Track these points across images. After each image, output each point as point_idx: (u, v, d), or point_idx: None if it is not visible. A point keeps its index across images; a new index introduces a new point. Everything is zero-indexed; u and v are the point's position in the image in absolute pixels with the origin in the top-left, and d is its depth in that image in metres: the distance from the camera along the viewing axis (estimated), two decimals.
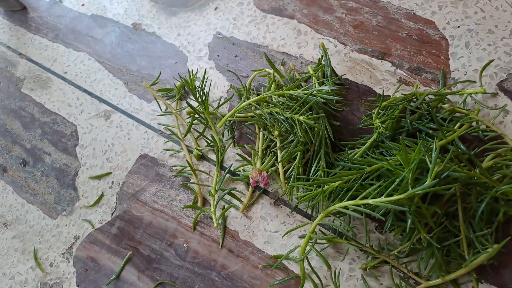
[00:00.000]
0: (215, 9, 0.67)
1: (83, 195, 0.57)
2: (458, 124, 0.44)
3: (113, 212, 0.54)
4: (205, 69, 0.58)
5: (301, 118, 0.43)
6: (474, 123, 0.45)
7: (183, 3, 0.70)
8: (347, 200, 0.38)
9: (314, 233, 0.39)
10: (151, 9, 0.71)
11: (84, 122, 0.63)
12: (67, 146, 0.62)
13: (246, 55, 0.62)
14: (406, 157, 0.36)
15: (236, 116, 0.52)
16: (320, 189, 0.38)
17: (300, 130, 0.43)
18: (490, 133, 0.43)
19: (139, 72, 0.65)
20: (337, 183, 0.38)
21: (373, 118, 0.44)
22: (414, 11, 0.58)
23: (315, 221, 0.39)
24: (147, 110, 0.61)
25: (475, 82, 0.50)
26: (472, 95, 0.47)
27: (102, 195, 0.56)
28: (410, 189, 0.34)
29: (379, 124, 0.42)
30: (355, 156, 0.43)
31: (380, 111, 0.45)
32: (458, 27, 0.55)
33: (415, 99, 0.48)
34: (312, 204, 0.41)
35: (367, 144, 0.44)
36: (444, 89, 0.50)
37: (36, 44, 0.75)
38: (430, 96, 0.47)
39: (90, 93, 0.66)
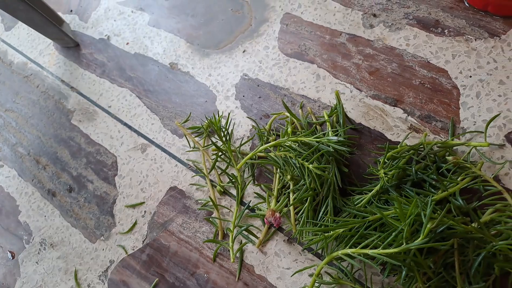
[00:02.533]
0: (243, 51, 0.73)
1: (119, 222, 0.63)
2: (461, 176, 0.46)
3: (144, 240, 0.60)
4: (230, 112, 0.63)
5: (311, 166, 0.47)
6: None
7: (215, 45, 0.76)
8: (350, 247, 0.41)
9: (320, 275, 0.43)
10: (186, 50, 0.78)
11: (124, 153, 0.70)
12: (107, 175, 0.69)
13: (268, 97, 0.67)
14: (402, 211, 0.39)
15: (256, 157, 0.56)
16: (327, 234, 0.42)
17: (309, 177, 0.47)
18: (491, 187, 0.45)
19: (174, 109, 0.71)
20: (341, 230, 0.41)
21: (379, 168, 0.47)
22: (428, 59, 0.60)
23: (320, 265, 0.42)
24: (178, 145, 0.67)
25: (483, 132, 0.52)
26: (478, 148, 0.49)
27: (135, 223, 0.62)
28: (404, 243, 0.37)
29: (383, 174, 0.45)
30: (361, 203, 0.46)
31: (386, 160, 0.48)
32: (470, 76, 0.57)
33: (422, 148, 0.50)
34: (319, 247, 0.45)
35: (372, 192, 0.47)
36: (452, 139, 0.52)
37: (86, 79, 0.83)
38: (437, 145, 0.50)
39: (130, 127, 0.73)
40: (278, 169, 0.54)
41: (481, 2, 0.60)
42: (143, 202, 0.63)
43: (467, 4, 0.61)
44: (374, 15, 0.67)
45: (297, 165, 0.48)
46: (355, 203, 0.46)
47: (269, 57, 0.70)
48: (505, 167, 0.49)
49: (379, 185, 0.46)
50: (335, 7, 0.71)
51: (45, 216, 0.70)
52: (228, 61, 0.73)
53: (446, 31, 0.61)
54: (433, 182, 0.46)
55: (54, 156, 0.75)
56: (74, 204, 0.69)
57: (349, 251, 0.40)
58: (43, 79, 0.88)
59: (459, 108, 0.55)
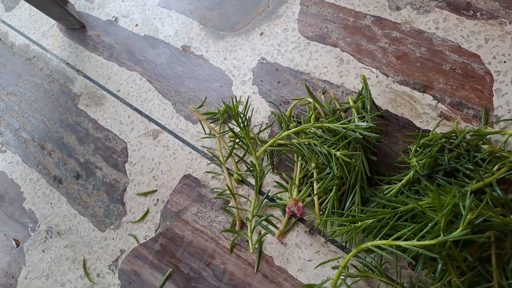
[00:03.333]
0: (261, 34, 0.72)
1: (130, 211, 0.63)
2: (497, 166, 0.45)
3: (156, 229, 0.60)
4: (248, 96, 0.62)
5: (338, 153, 0.46)
6: None
7: (230, 27, 0.75)
8: (380, 239, 0.40)
9: (346, 268, 0.42)
10: (200, 32, 0.77)
11: (134, 140, 0.69)
12: (117, 162, 0.68)
13: (288, 82, 0.66)
14: (440, 202, 0.38)
15: (276, 145, 0.55)
16: (354, 225, 0.41)
17: (336, 165, 0.46)
18: None
19: (187, 93, 0.70)
20: (370, 221, 0.40)
21: (410, 156, 0.46)
22: (459, 44, 0.59)
23: (347, 257, 0.42)
24: (192, 132, 0.66)
25: None
26: None
27: (147, 212, 0.61)
28: (441, 235, 0.36)
29: (416, 163, 0.44)
30: (391, 193, 0.45)
31: (418, 148, 0.47)
32: (505, 62, 0.56)
33: (454, 137, 0.49)
34: (346, 239, 0.44)
35: (403, 181, 0.46)
36: (486, 127, 0.51)
37: (93, 62, 0.82)
38: (471, 134, 0.49)
39: (140, 112, 0.72)
40: (300, 157, 0.53)
41: None
42: (156, 190, 0.63)
43: None
44: None
45: (323, 152, 0.47)
46: (384, 193, 0.45)
47: (288, 40, 0.69)
48: None
49: (410, 174, 0.45)
50: None
51: (51, 203, 0.69)
52: (244, 44, 0.72)
53: (478, 13, 0.60)
54: (468, 172, 0.45)
55: (60, 141, 0.75)
56: (82, 191, 0.68)
57: (379, 242, 0.39)
58: (47, 61, 0.87)
59: (493, 95, 0.54)
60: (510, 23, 0.57)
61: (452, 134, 0.49)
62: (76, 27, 0.89)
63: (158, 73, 0.75)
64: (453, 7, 0.62)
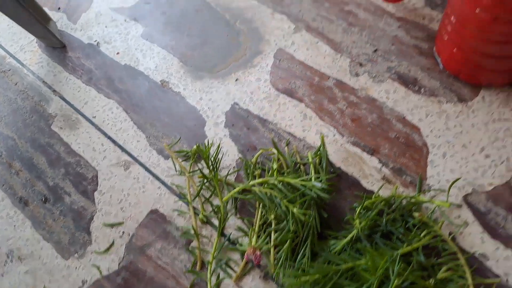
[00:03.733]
0: (236, 80, 0.77)
1: (95, 240, 0.65)
2: (424, 233, 0.53)
3: (120, 262, 0.63)
4: (220, 141, 0.67)
5: (295, 210, 0.52)
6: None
7: (209, 69, 0.80)
8: None
9: None
10: (179, 70, 0.81)
11: (105, 168, 0.72)
12: (86, 189, 0.70)
13: (257, 129, 0.71)
14: (374, 264, 0.45)
15: (241, 190, 0.61)
16: (304, 279, 0.47)
17: (292, 219, 0.52)
18: (448, 247, 0.52)
19: (162, 128, 0.74)
20: (316, 276, 0.47)
21: (355, 217, 0.53)
22: (404, 115, 0.68)
23: None
24: (163, 167, 0.70)
25: (445, 191, 0.60)
26: (440, 206, 0.56)
27: (113, 244, 0.64)
28: None
29: (358, 224, 0.51)
30: (336, 249, 0.52)
31: (361, 211, 0.54)
32: (439, 136, 0.65)
33: (393, 201, 0.57)
34: None
35: (347, 239, 0.53)
36: (419, 195, 0.59)
37: (71, 84, 0.84)
38: (406, 200, 0.57)
39: (114, 141, 0.75)
40: (261, 205, 0.59)
41: (454, 69, 0.68)
42: (122, 222, 0.66)
43: (441, 67, 0.70)
44: (360, 64, 0.74)
45: (282, 206, 0.53)
46: (330, 248, 0.52)
47: (260, 89, 0.75)
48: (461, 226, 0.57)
49: (353, 233, 0.52)
50: (325, 50, 0.77)
51: (14, 225, 0.70)
52: (220, 87, 0.77)
53: (422, 90, 0.69)
54: (400, 236, 0.53)
55: (29, 162, 0.76)
56: (48, 216, 0.70)
57: None
58: (23, 77, 0.87)
59: (427, 166, 0.63)
60: (446, 102, 0.67)
61: (392, 198, 0.56)
62: (57, 46, 0.91)
63: (135, 104, 0.78)
64: (402, 81, 0.71)
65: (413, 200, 0.56)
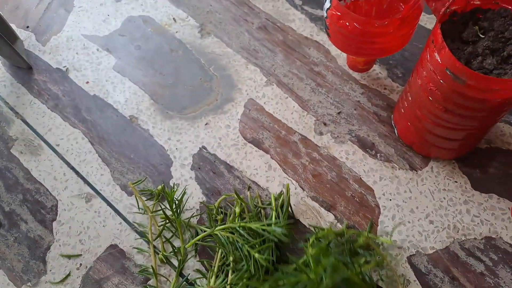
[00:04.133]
0: (206, 124, 0.89)
1: (50, 270, 0.72)
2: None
3: None
4: (185, 184, 0.78)
5: (257, 255, 0.63)
6: None
7: (180, 110, 0.91)
8: None
9: None
10: (149, 107, 0.92)
11: (66, 199, 0.79)
12: (45, 218, 0.77)
13: (223, 174, 0.83)
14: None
15: (202, 239, 0.71)
16: None
17: (253, 264, 0.63)
18: None
19: (127, 164, 0.83)
20: None
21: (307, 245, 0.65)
22: (360, 176, 0.82)
23: None
24: (126, 203, 0.79)
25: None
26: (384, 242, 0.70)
27: (69, 275, 0.71)
28: None
29: (309, 252, 0.63)
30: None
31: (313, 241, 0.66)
32: (390, 200, 0.79)
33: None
34: None
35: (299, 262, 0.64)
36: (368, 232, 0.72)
37: (35, 108, 0.91)
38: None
39: (77, 172, 0.82)
40: (221, 247, 0.69)
41: (408, 140, 0.84)
42: (80, 255, 0.73)
43: (397, 136, 0.86)
44: (324, 124, 0.89)
45: (243, 250, 0.64)
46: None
47: (229, 136, 0.87)
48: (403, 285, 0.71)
49: (303, 259, 0.64)
50: (294, 106, 0.91)
51: None
52: (189, 130, 0.88)
53: (378, 154, 0.84)
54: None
55: None
56: (2, 241, 0.75)
57: None
58: None
59: (378, 225, 0.77)
60: (399, 169, 0.82)
61: (342, 232, 0.69)
62: (22, 66, 0.98)
63: (101, 137, 0.87)
64: (361, 144, 0.86)
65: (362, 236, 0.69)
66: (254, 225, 0.68)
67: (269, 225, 0.69)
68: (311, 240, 0.65)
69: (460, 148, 0.79)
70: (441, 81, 0.64)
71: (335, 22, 0.73)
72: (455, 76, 0.62)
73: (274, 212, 0.72)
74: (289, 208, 0.76)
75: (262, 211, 0.75)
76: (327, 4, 0.73)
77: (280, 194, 0.76)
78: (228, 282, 0.65)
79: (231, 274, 0.66)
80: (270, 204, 0.75)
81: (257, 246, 0.65)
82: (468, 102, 0.65)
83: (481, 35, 0.67)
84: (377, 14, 0.83)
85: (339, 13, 0.72)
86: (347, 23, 0.72)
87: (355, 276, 0.59)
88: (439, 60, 0.63)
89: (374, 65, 0.93)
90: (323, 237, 0.67)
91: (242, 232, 0.67)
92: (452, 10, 0.69)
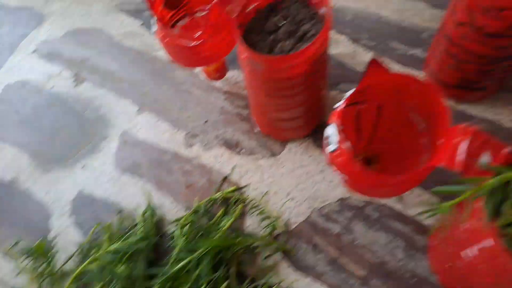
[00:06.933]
0: (82, 167, 0.89)
1: None
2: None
3: None
4: (57, 234, 0.78)
5: (121, 268, 0.64)
6: None
7: (58, 161, 0.92)
8: None
9: None
10: (29, 166, 0.92)
11: None
12: None
13: (97, 210, 0.83)
14: None
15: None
16: None
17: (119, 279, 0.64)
18: None
19: (5, 231, 0.83)
20: None
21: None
22: (228, 175, 0.83)
23: None
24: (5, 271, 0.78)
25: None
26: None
27: None
28: None
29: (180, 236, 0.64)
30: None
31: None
32: (256, 189, 0.80)
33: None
34: None
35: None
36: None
37: None
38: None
39: None
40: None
41: (265, 131, 0.86)
42: None
43: (257, 130, 0.87)
44: (194, 136, 0.90)
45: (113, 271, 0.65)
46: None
47: (105, 172, 0.88)
48: None
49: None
50: (165, 127, 0.92)
51: None
52: (67, 177, 0.89)
53: (243, 150, 0.86)
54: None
55: None
56: None
57: None
58: None
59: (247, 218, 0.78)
60: (262, 158, 0.84)
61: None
62: None
63: None
64: (227, 145, 0.87)
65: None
66: (118, 245, 0.69)
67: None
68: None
69: (307, 125, 0.82)
70: (251, 72, 0.67)
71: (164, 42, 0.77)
72: (254, 63, 0.65)
73: (141, 224, 0.74)
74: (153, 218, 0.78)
75: (132, 229, 0.76)
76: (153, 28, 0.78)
77: (145, 211, 0.77)
78: None
79: None
80: (138, 223, 0.76)
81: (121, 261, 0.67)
82: (278, 84, 0.68)
83: (281, 24, 0.70)
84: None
85: (162, 35, 0.77)
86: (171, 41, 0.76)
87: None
88: (242, 54, 0.66)
89: (232, 71, 0.95)
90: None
91: (108, 256, 0.68)
92: (253, 7, 0.72)
